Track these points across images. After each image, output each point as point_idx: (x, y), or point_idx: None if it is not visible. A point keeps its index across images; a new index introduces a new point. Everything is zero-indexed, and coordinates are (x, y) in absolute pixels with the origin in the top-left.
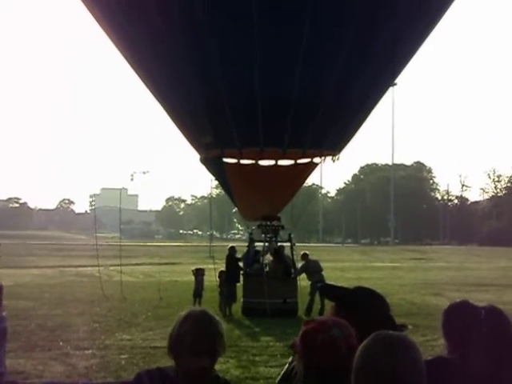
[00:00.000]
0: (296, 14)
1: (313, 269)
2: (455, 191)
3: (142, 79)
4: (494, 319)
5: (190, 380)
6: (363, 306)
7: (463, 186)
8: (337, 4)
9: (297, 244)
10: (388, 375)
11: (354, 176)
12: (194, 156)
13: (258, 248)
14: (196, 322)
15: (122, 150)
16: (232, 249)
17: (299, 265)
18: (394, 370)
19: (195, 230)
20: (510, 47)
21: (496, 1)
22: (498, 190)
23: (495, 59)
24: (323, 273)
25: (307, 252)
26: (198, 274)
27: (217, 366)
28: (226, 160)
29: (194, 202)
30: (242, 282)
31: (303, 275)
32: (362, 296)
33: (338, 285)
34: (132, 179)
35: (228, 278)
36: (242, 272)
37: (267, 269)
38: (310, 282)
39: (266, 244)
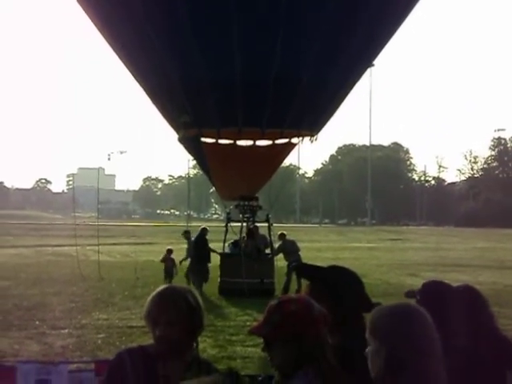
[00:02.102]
0: None
1: (290, 249)
2: (432, 172)
3: (119, 57)
4: (470, 298)
5: (162, 352)
6: (338, 284)
7: (440, 166)
8: None
9: (274, 224)
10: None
11: (332, 157)
12: (171, 136)
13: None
14: (156, 293)
15: (99, 130)
16: (203, 230)
17: (276, 245)
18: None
19: (172, 210)
20: (486, 31)
21: None
22: (475, 171)
23: (472, 41)
24: (300, 253)
25: (284, 232)
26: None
27: (193, 348)
28: (203, 140)
29: (171, 181)
30: (211, 262)
31: (280, 255)
32: (336, 274)
33: (313, 264)
34: (109, 159)
35: (198, 258)
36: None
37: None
38: (286, 263)
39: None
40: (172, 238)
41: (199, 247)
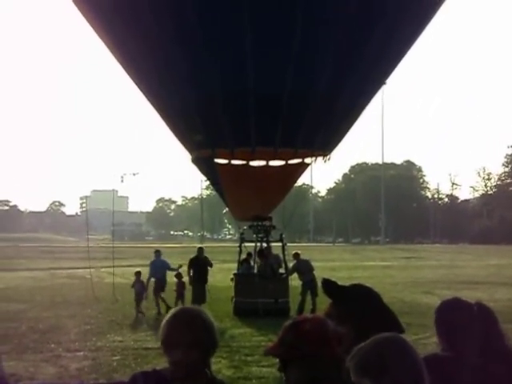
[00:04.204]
0: (287, 14)
1: (304, 268)
2: (445, 190)
3: (131, 78)
4: (483, 316)
5: (179, 376)
6: (361, 304)
7: (453, 184)
8: (328, 4)
9: (288, 244)
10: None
11: (345, 175)
12: (184, 157)
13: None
14: (171, 316)
15: (112, 152)
16: (200, 249)
17: (291, 264)
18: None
19: (186, 231)
20: (498, 47)
21: (486, 3)
22: (488, 188)
23: (484, 58)
24: (314, 272)
25: (299, 252)
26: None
27: (209, 369)
28: (217, 160)
29: (184, 203)
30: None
31: (295, 275)
32: (360, 293)
33: (336, 281)
34: (122, 181)
35: (194, 279)
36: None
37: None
38: (301, 282)
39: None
40: (185, 259)
41: (196, 268)
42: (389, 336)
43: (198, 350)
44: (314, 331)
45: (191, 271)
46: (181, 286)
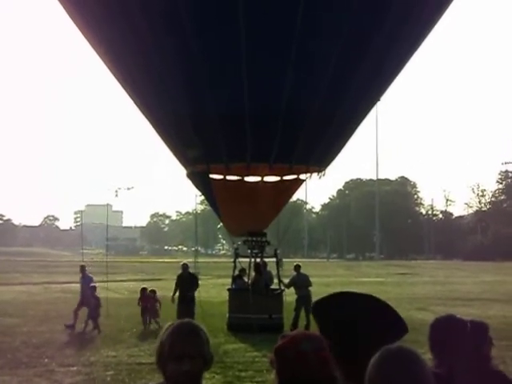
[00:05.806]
0: (284, 29)
1: (301, 283)
2: (439, 206)
3: (127, 93)
4: (477, 334)
5: None
6: (348, 333)
7: (447, 200)
8: (325, 20)
9: (283, 259)
10: None
11: (339, 191)
12: (178, 172)
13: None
14: (175, 327)
15: (106, 166)
16: (184, 265)
17: (286, 280)
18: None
19: (180, 246)
20: (491, 62)
21: (482, 21)
22: (483, 205)
23: (477, 75)
24: (311, 288)
25: (300, 264)
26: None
27: (202, 382)
28: (212, 176)
29: (178, 217)
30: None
31: (291, 289)
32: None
33: (325, 298)
34: (116, 195)
35: (180, 297)
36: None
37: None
38: (295, 297)
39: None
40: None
41: (182, 286)
42: (392, 348)
43: (201, 362)
44: (285, 349)
45: (177, 289)
46: (152, 301)
